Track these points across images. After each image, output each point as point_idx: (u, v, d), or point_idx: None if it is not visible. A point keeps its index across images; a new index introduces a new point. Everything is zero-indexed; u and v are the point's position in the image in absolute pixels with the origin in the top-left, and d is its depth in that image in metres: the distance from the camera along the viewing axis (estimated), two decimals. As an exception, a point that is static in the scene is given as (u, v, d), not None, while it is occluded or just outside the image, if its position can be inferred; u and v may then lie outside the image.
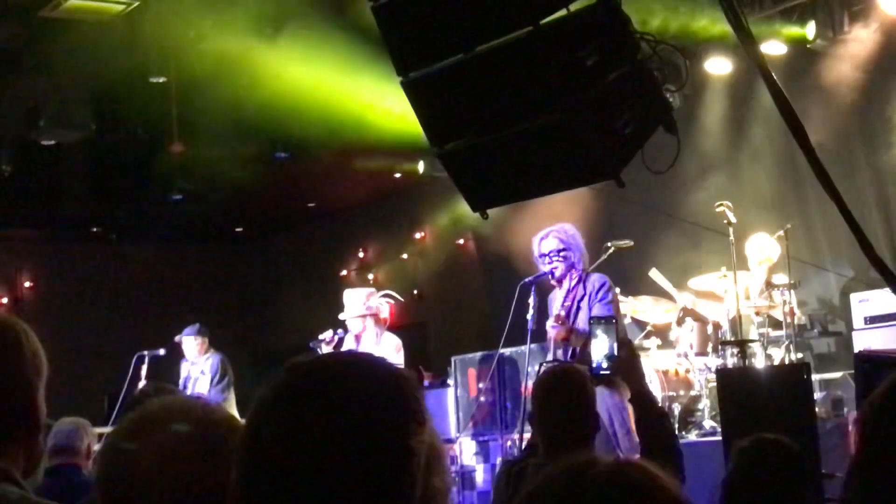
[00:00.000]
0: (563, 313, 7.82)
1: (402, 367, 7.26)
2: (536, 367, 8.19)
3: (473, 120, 4.56)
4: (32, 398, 2.21)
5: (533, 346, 8.26)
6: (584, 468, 1.57)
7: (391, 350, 9.41)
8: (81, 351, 16.38)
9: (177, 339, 11.53)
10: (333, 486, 1.57)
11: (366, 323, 9.44)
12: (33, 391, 2.21)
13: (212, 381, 11.30)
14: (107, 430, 7.76)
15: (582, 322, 7.72)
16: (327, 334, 9.58)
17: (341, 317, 9.55)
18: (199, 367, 11.45)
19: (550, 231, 8.09)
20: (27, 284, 18.55)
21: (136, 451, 1.99)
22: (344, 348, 9.42)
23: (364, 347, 9.36)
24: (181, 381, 11.36)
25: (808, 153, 4.24)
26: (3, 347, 2.19)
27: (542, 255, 8.02)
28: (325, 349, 9.59)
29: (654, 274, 10.40)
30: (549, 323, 7.83)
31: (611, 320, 4.50)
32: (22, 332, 2.24)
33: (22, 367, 2.19)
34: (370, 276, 18.15)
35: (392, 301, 9.54)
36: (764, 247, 10.11)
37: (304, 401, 1.62)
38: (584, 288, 7.96)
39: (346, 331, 9.58)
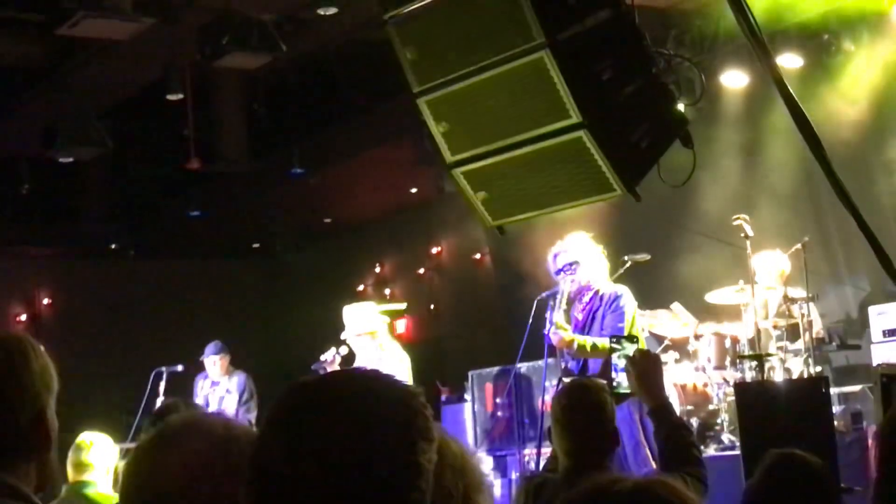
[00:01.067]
0: (561, 322, 7.80)
1: (408, 381, 7.12)
2: (554, 382, 8.18)
3: (489, 136, 4.57)
4: (41, 414, 2.21)
5: (550, 360, 8.23)
6: (611, 484, 1.57)
7: (394, 364, 9.03)
8: (99, 367, 16.43)
9: (200, 359, 11.52)
10: (340, 502, 1.57)
11: (365, 340, 9.17)
12: (42, 406, 2.21)
13: (239, 399, 11.30)
14: (126, 445, 7.74)
15: (596, 334, 7.71)
16: (328, 355, 9.39)
17: (343, 336, 9.33)
18: (223, 386, 11.43)
19: (563, 244, 8.09)
20: (45, 301, 18.61)
21: (159, 467, 2.00)
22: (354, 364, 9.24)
23: (366, 363, 9.11)
24: (202, 399, 11.34)
25: (824, 165, 4.23)
26: (10, 364, 2.19)
27: (559, 272, 8.01)
28: (330, 369, 9.45)
29: (676, 307, 10.37)
30: (551, 330, 7.79)
31: (632, 339, 4.48)
32: (30, 347, 2.24)
33: (29, 382, 2.20)
34: (387, 292, 18.16)
35: (388, 317, 9.35)
36: (773, 264, 10.07)
37: (310, 418, 1.62)
38: (601, 300, 7.95)
39: (347, 348, 9.34)
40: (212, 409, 11.07)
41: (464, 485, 2.34)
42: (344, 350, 9.34)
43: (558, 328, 7.73)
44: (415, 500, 1.61)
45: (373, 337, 9.16)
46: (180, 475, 1.97)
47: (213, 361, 11.45)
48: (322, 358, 9.43)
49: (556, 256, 8.07)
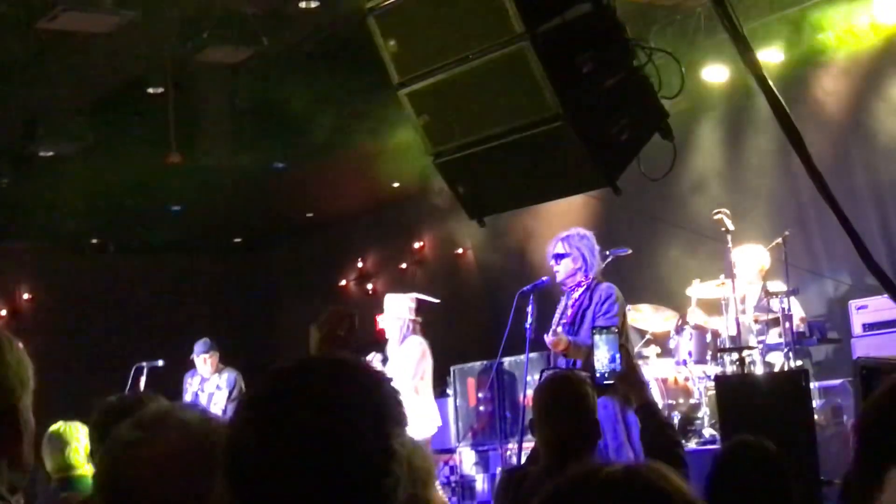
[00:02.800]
0: (559, 328, 7.81)
1: (427, 372, 7.44)
2: (536, 376, 8.20)
3: (470, 128, 4.56)
4: (13, 408, 2.19)
5: (532, 354, 8.26)
6: (599, 469, 1.57)
7: (413, 353, 9.59)
8: (80, 362, 16.39)
9: (191, 358, 11.53)
10: (314, 488, 1.58)
11: (402, 325, 9.73)
12: (15, 400, 2.20)
13: (229, 395, 11.31)
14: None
15: (584, 333, 7.72)
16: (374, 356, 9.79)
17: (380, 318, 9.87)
18: (213, 383, 11.44)
19: (558, 236, 8.11)
20: (25, 296, 18.54)
21: (136, 459, 1.99)
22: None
23: (389, 350, 9.70)
24: (190, 396, 11.34)
25: (805, 160, 4.23)
26: None
27: (555, 257, 8.06)
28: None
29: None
30: (549, 337, 7.81)
31: (612, 329, 4.48)
32: (4, 340, 2.22)
33: (2, 376, 2.18)
34: (369, 286, 18.14)
35: (412, 304, 9.71)
36: (754, 258, 10.10)
37: (282, 403, 1.63)
38: (590, 298, 7.95)
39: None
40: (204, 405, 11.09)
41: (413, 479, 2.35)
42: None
43: (557, 335, 7.75)
44: (388, 484, 1.62)
45: (399, 325, 9.73)
46: (157, 466, 1.97)
47: (203, 359, 11.44)
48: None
49: (552, 245, 8.08)
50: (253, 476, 1.60)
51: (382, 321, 9.82)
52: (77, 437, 6.25)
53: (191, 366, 11.61)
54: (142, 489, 1.98)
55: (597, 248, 8.16)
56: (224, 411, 10.75)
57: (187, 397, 11.31)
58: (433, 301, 9.85)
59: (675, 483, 1.58)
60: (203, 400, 11.25)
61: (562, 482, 1.62)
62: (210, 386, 11.41)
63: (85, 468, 6.15)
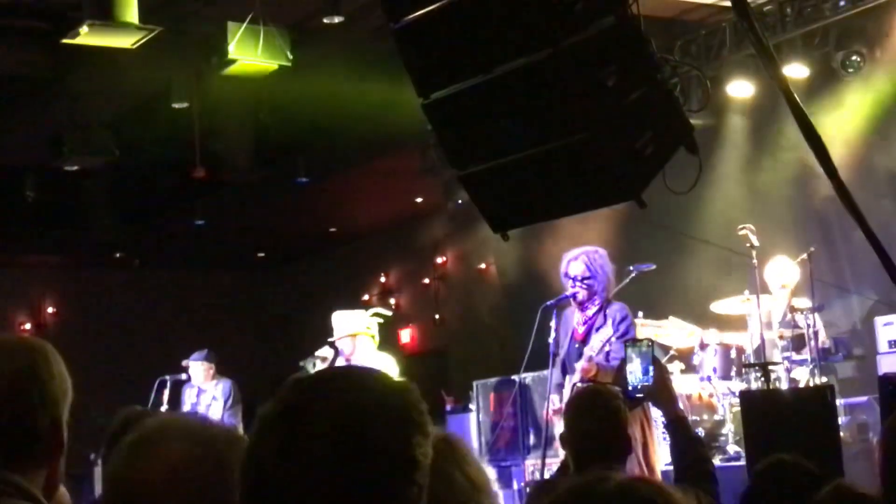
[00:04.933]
0: (595, 356, 7.77)
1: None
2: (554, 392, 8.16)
3: (494, 141, 4.56)
4: (57, 420, 2.20)
5: (555, 370, 8.22)
6: (598, 482, 1.57)
7: (386, 368, 9.14)
8: (103, 376, 16.42)
9: (184, 363, 11.52)
10: (337, 499, 1.57)
11: (356, 343, 9.23)
12: (59, 413, 2.21)
13: (224, 404, 11.33)
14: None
15: (594, 349, 7.73)
16: (324, 350, 9.39)
17: (330, 339, 9.38)
18: (209, 393, 11.45)
19: (581, 254, 8.02)
20: (50, 310, 18.63)
21: (139, 472, 1.99)
22: None
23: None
24: (189, 408, 11.36)
25: (831, 175, 4.21)
26: (34, 368, 2.19)
27: (568, 277, 7.99)
28: (320, 365, 9.47)
29: (673, 321, 10.34)
30: (580, 364, 7.79)
31: (646, 343, 4.44)
32: (50, 352, 2.24)
33: (49, 388, 2.20)
34: (392, 301, 18.15)
35: (381, 319, 9.35)
36: (784, 270, 10.06)
37: (304, 415, 1.62)
38: (605, 317, 7.92)
39: (338, 352, 9.39)
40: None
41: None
42: (331, 352, 9.39)
43: (591, 362, 7.72)
44: (412, 495, 1.61)
45: (364, 340, 9.19)
46: (161, 476, 1.96)
47: (199, 367, 11.45)
48: (317, 353, 9.44)
49: (569, 262, 8.03)
50: (274, 488, 1.59)
51: (337, 338, 9.19)
52: None
53: (188, 379, 11.61)
54: (146, 499, 1.97)
55: (612, 265, 8.13)
56: (221, 420, 10.73)
57: (185, 409, 11.33)
58: (387, 314, 9.52)
59: (669, 497, 1.58)
60: (201, 409, 11.26)
61: (562, 492, 1.62)
62: (206, 397, 11.44)
63: None
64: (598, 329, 7.88)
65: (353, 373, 1.74)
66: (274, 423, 1.64)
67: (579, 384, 7.33)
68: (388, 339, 17.26)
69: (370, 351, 9.20)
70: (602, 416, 4.27)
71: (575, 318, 8.06)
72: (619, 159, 4.23)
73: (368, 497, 1.58)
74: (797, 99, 4.24)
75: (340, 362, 9.30)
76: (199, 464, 1.97)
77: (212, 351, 11.64)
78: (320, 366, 9.37)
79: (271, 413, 1.66)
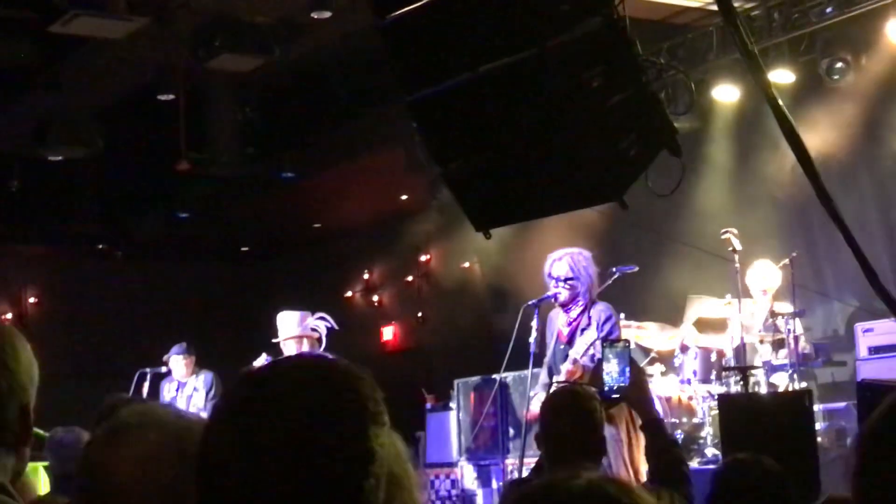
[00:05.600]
0: (581, 358, 7.76)
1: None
2: (540, 391, 8.17)
3: (478, 140, 4.56)
4: (25, 407, 2.19)
5: (535, 370, 8.22)
6: (568, 480, 1.57)
7: None
8: (84, 367, 16.38)
9: (164, 358, 11.48)
10: (292, 492, 1.55)
11: (300, 345, 9.24)
12: (27, 400, 2.20)
13: (207, 395, 11.29)
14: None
15: (579, 351, 7.74)
16: (260, 360, 9.39)
17: (275, 340, 9.38)
18: (190, 386, 11.42)
19: (565, 255, 8.02)
20: (32, 300, 18.55)
21: (113, 460, 1.99)
22: None
23: None
24: (169, 401, 11.32)
25: (814, 181, 4.23)
26: (1, 355, 2.18)
27: (551, 277, 7.99)
28: None
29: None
30: (566, 366, 7.79)
31: (624, 344, 4.45)
32: (17, 338, 2.23)
33: (16, 375, 2.18)
34: (374, 299, 18.14)
35: (328, 324, 9.33)
36: (766, 275, 10.08)
37: (256, 408, 1.59)
38: (589, 318, 7.92)
39: (279, 355, 9.38)
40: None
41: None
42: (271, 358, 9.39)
43: (576, 364, 7.73)
44: (369, 487, 1.59)
45: (310, 342, 9.21)
46: (135, 467, 1.96)
47: (178, 361, 11.41)
48: (254, 364, 9.43)
49: (553, 262, 8.03)
50: (228, 482, 1.57)
51: (282, 339, 9.28)
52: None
53: (168, 372, 11.57)
54: (119, 489, 1.97)
55: (595, 267, 8.14)
56: (204, 410, 10.72)
57: (167, 402, 11.29)
58: (333, 325, 9.44)
59: (638, 498, 1.57)
60: (181, 403, 11.23)
61: (527, 490, 1.62)
62: (188, 389, 11.40)
63: None
64: (582, 330, 7.88)
65: (307, 363, 1.71)
66: (225, 417, 1.62)
67: (558, 384, 7.34)
68: (370, 336, 17.37)
69: (315, 353, 9.20)
70: (578, 416, 4.29)
71: (560, 320, 8.06)
72: (602, 160, 4.24)
73: (324, 490, 1.56)
74: (781, 104, 4.25)
75: None
76: (170, 455, 1.97)
77: (191, 344, 11.60)
78: None
79: (223, 407, 1.64)
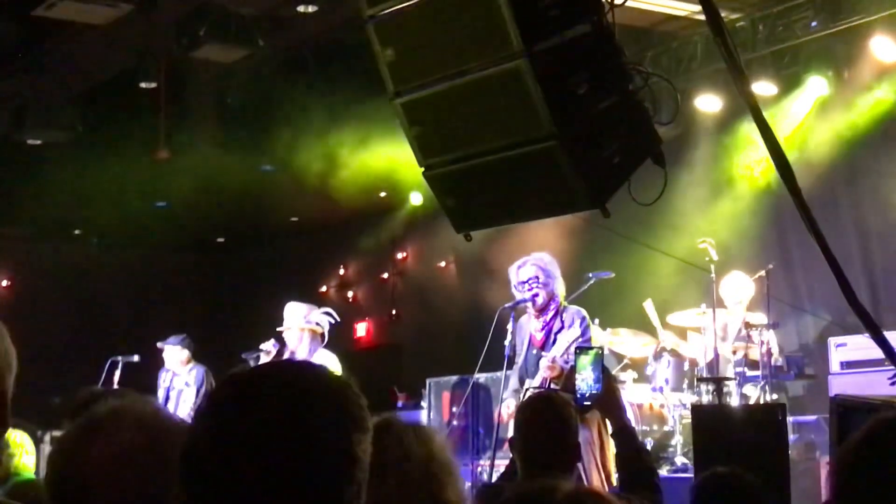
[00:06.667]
0: (558, 356, 7.76)
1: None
2: (506, 395, 8.16)
3: (462, 142, 4.54)
4: (3, 393, 2.17)
5: (509, 372, 8.23)
6: (545, 493, 1.56)
7: (329, 366, 9.07)
8: (55, 353, 16.28)
9: (159, 345, 11.42)
10: (274, 496, 1.54)
11: (302, 337, 9.28)
12: (4, 388, 2.17)
13: (197, 392, 11.22)
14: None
15: (560, 349, 7.73)
16: (268, 344, 9.45)
17: (279, 329, 9.43)
18: (182, 379, 11.36)
19: (527, 260, 8.09)
20: (4, 283, 18.45)
21: (86, 455, 1.96)
22: None
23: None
24: (163, 392, 11.27)
25: (794, 194, 4.23)
26: None
27: (522, 283, 8.01)
28: (263, 360, 9.50)
29: (648, 305, 10.36)
30: (544, 363, 7.79)
31: (597, 351, 4.44)
32: None
33: None
34: (349, 294, 18.11)
35: (332, 319, 9.36)
36: (740, 286, 10.11)
37: (240, 411, 1.58)
38: (562, 321, 7.95)
39: (283, 344, 9.45)
40: (171, 402, 11.03)
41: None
42: (278, 345, 9.42)
43: (555, 362, 7.72)
44: (350, 493, 1.58)
45: (311, 336, 9.24)
46: (107, 465, 1.93)
47: (174, 351, 11.37)
48: (262, 346, 9.47)
49: (518, 269, 8.07)
50: (210, 485, 1.56)
51: (286, 329, 9.33)
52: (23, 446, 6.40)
53: (163, 363, 11.52)
54: (90, 488, 1.94)
55: (558, 269, 8.17)
56: (193, 408, 10.68)
57: (160, 392, 11.25)
58: (336, 320, 9.47)
59: None
60: (173, 396, 11.19)
61: (510, 499, 1.61)
62: (179, 382, 11.34)
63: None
64: (556, 334, 7.89)
65: (292, 368, 1.71)
66: (210, 418, 1.61)
67: (534, 389, 7.33)
68: (343, 332, 17.32)
69: (316, 347, 9.22)
70: (553, 423, 4.28)
71: (532, 325, 8.07)
72: (586, 167, 4.22)
73: (307, 494, 1.55)
74: (764, 116, 4.25)
75: (284, 356, 9.31)
76: (144, 452, 1.94)
77: (188, 337, 11.53)
78: (264, 359, 9.41)
79: (207, 408, 1.63)
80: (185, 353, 11.42)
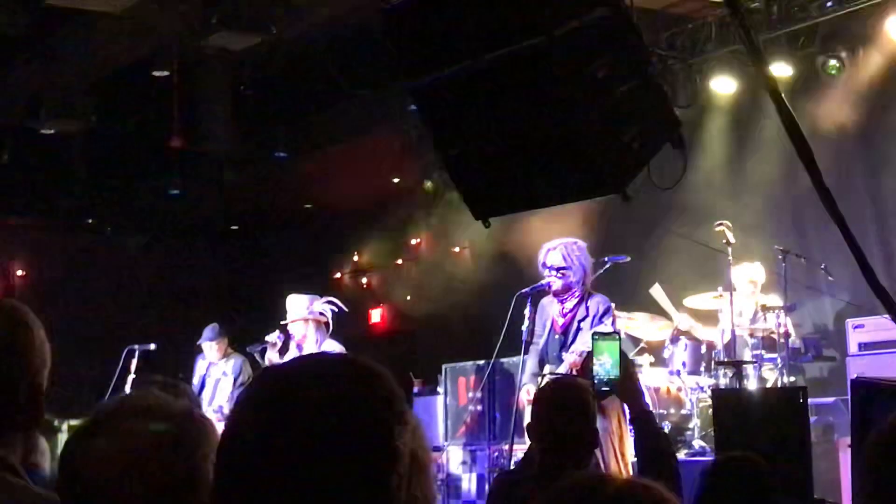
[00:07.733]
0: (583, 353, 7.72)
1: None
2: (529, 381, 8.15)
3: (480, 128, 4.52)
4: (38, 388, 2.17)
5: (526, 357, 8.21)
6: (597, 486, 1.54)
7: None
8: (70, 342, 16.28)
9: (198, 343, 11.41)
10: (316, 490, 1.52)
11: (307, 328, 9.27)
12: (39, 381, 2.17)
13: (234, 382, 11.20)
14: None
15: (587, 342, 7.71)
16: (273, 336, 9.44)
17: (283, 322, 9.42)
18: (220, 369, 11.33)
19: (560, 245, 8.05)
20: (19, 273, 18.49)
21: (95, 452, 1.95)
22: (287, 355, 9.24)
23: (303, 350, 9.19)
24: (198, 379, 11.28)
25: (814, 176, 4.19)
26: (14, 334, 2.15)
27: (545, 266, 8.00)
28: (270, 353, 9.51)
29: (656, 290, 10.34)
30: (569, 358, 7.77)
31: (615, 336, 4.41)
32: (31, 320, 2.20)
33: (30, 355, 2.16)
34: (363, 280, 18.10)
35: (336, 308, 9.35)
36: (752, 270, 10.09)
37: (282, 402, 1.56)
38: (587, 309, 7.93)
39: (288, 336, 9.44)
40: (207, 390, 11.04)
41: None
42: (279, 336, 9.44)
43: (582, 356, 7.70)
44: (393, 485, 1.56)
45: (315, 326, 9.26)
46: (117, 460, 1.92)
47: (210, 346, 11.35)
48: (266, 338, 9.49)
49: (547, 251, 8.04)
50: (252, 482, 1.54)
51: (290, 321, 9.33)
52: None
53: (199, 350, 11.52)
54: (101, 484, 1.94)
55: (590, 258, 8.14)
56: (231, 398, 10.70)
57: (195, 380, 11.27)
58: (342, 308, 9.46)
59: (669, 500, 1.55)
60: (210, 385, 11.20)
61: (561, 494, 1.59)
62: (217, 371, 11.33)
63: None
64: (579, 321, 7.89)
65: (331, 360, 1.69)
66: (249, 415, 1.59)
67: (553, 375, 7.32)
68: (358, 318, 17.33)
69: (322, 337, 9.22)
70: (573, 409, 4.26)
71: (554, 309, 8.06)
72: (605, 152, 4.20)
73: (351, 489, 1.54)
74: (784, 99, 4.21)
75: (291, 347, 9.32)
76: (157, 442, 1.94)
77: (222, 326, 11.49)
78: (269, 352, 9.43)
79: (246, 401, 1.61)
80: (221, 343, 11.38)
